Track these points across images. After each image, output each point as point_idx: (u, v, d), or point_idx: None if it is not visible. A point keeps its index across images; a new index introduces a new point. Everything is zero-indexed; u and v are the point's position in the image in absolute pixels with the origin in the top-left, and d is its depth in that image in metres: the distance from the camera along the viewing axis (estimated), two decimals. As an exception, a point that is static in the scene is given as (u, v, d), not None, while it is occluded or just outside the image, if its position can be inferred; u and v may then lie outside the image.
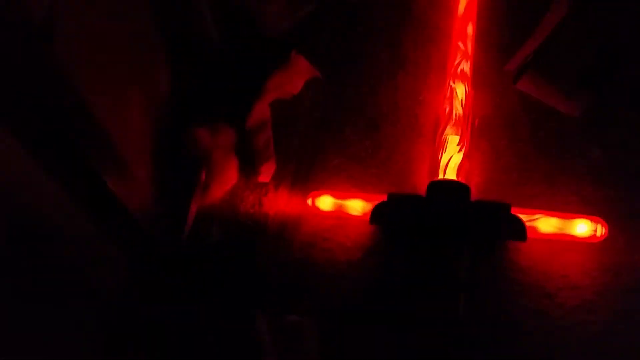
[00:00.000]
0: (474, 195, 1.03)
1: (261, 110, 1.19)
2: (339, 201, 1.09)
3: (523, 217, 0.98)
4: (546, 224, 0.99)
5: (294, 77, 1.22)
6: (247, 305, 0.99)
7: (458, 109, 1.10)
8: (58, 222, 0.78)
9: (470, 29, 1.19)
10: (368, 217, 1.04)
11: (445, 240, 0.99)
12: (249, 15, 1.24)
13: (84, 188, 0.78)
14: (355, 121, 1.20)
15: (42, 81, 0.65)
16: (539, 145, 1.11)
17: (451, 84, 1.13)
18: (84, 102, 0.74)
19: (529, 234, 0.97)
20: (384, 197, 1.04)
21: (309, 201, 1.10)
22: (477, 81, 1.16)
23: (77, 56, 0.75)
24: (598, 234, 0.98)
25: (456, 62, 1.15)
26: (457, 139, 1.07)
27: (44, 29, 0.64)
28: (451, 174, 1.05)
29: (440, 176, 1.05)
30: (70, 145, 0.72)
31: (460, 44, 1.17)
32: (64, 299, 0.83)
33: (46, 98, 0.66)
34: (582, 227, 0.98)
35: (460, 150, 1.06)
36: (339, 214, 1.09)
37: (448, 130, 1.08)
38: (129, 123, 0.93)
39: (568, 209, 1.02)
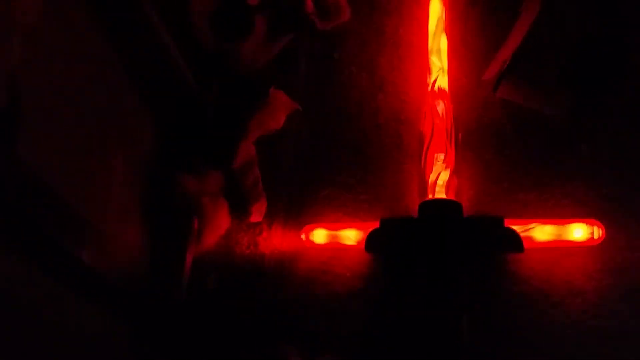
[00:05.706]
0: (467, 209, 1.02)
1: (246, 150, 1.19)
2: (333, 232, 1.08)
3: (518, 228, 0.97)
4: (542, 232, 0.98)
5: (275, 113, 1.22)
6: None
7: (440, 126, 1.09)
8: (48, 311, 0.77)
9: (443, 44, 1.18)
10: (363, 246, 1.03)
11: (442, 260, 0.97)
12: (224, 56, 1.24)
13: (69, 272, 0.77)
14: (340, 149, 1.19)
15: (10, 182, 0.65)
16: (527, 151, 1.10)
17: (430, 100, 1.12)
18: (58, 194, 0.73)
19: (526, 245, 0.95)
20: (376, 223, 1.03)
21: (303, 236, 1.10)
22: (456, 95, 1.15)
23: (46, 145, 0.74)
24: (595, 236, 0.96)
25: (433, 78, 1.14)
26: (442, 156, 1.06)
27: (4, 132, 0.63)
28: (440, 192, 1.04)
29: (430, 196, 1.04)
30: (47, 236, 0.71)
31: (435, 59, 1.17)
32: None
33: (19, 199, 0.65)
34: (579, 232, 0.96)
35: (447, 167, 1.05)
36: (334, 246, 1.09)
37: (432, 148, 1.08)
38: (112, 191, 0.92)
39: (563, 213, 1.01)
